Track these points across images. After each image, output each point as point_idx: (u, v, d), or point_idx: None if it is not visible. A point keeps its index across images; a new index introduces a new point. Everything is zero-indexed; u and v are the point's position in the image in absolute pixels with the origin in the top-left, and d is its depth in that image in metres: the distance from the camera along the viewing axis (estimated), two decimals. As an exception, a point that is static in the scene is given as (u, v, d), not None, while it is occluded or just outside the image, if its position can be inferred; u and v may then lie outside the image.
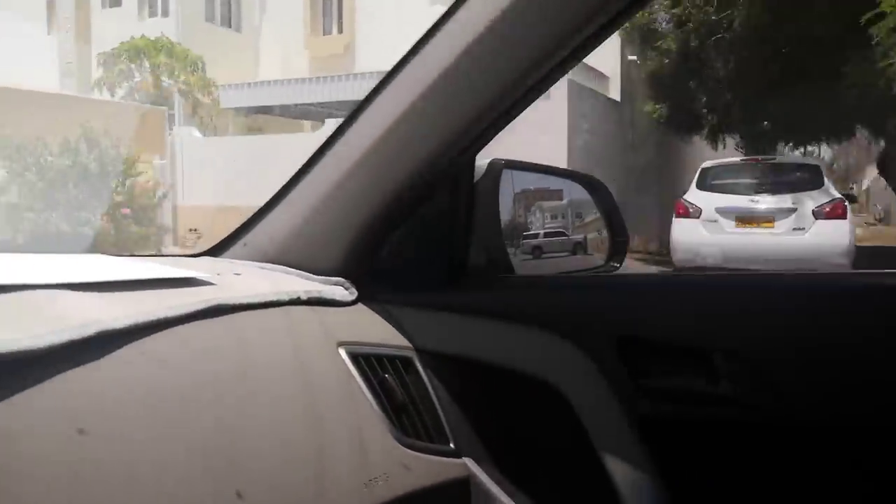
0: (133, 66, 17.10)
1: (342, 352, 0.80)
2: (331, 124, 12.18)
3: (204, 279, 0.76)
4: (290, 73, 16.08)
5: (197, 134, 14.69)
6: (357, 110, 0.90)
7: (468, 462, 0.87)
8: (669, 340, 0.88)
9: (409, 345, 0.90)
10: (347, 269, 0.91)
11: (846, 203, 7.54)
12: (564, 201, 1.22)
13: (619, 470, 0.85)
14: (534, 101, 0.87)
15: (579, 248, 1.23)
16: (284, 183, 0.95)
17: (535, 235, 1.15)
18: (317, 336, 0.80)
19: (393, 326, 0.91)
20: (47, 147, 9.64)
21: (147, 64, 17.11)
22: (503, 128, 0.88)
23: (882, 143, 11.99)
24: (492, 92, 0.83)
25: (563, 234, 1.23)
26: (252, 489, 0.62)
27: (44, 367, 0.53)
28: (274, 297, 0.78)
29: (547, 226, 1.18)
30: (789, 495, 0.87)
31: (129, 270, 0.74)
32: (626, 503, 0.84)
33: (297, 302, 0.81)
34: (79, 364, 0.55)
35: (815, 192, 7.52)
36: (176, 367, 0.62)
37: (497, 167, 0.98)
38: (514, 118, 0.88)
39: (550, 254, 1.18)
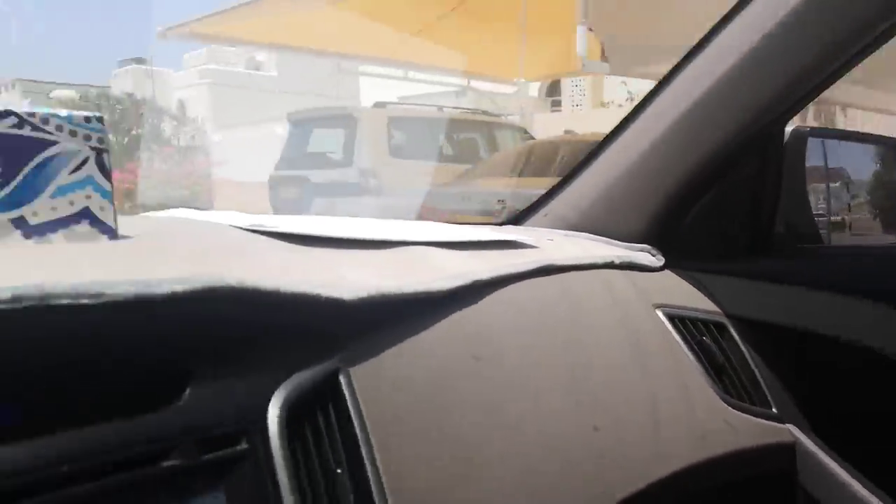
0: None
1: (659, 313, 0.84)
2: None
3: (528, 243, 0.82)
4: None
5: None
6: (665, 79, 0.92)
7: (792, 428, 0.87)
8: None
9: (720, 310, 0.91)
10: (651, 236, 0.94)
11: None
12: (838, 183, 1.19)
13: None
14: (850, 70, 0.85)
15: None
16: (587, 154, 0.99)
17: None
18: (633, 297, 0.83)
19: (701, 292, 0.92)
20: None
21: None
22: (815, 98, 0.88)
23: None
24: (807, 61, 0.83)
25: None
26: (605, 425, 0.68)
27: (442, 306, 0.62)
28: (591, 261, 0.83)
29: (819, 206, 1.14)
30: None
31: (467, 233, 0.82)
32: None
33: (610, 266, 0.85)
34: (463, 306, 0.64)
35: None
36: (531, 313, 0.70)
37: (803, 135, 0.98)
38: (827, 88, 0.87)
39: None
